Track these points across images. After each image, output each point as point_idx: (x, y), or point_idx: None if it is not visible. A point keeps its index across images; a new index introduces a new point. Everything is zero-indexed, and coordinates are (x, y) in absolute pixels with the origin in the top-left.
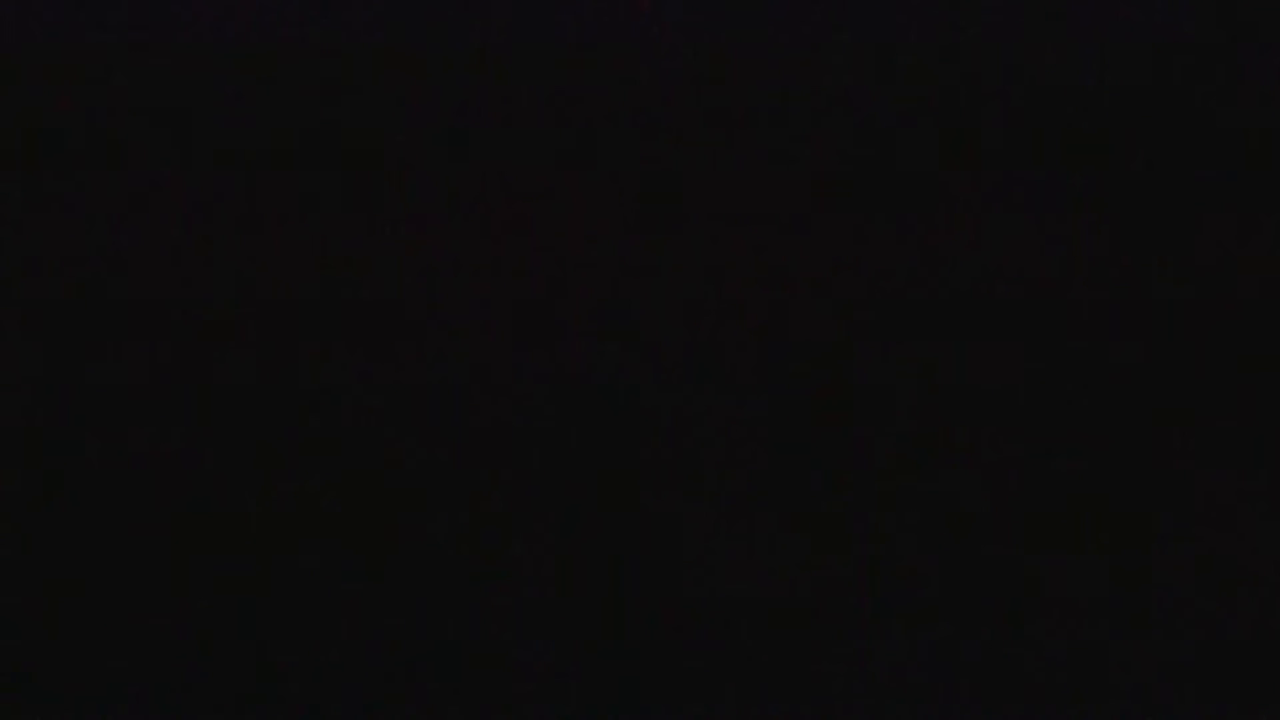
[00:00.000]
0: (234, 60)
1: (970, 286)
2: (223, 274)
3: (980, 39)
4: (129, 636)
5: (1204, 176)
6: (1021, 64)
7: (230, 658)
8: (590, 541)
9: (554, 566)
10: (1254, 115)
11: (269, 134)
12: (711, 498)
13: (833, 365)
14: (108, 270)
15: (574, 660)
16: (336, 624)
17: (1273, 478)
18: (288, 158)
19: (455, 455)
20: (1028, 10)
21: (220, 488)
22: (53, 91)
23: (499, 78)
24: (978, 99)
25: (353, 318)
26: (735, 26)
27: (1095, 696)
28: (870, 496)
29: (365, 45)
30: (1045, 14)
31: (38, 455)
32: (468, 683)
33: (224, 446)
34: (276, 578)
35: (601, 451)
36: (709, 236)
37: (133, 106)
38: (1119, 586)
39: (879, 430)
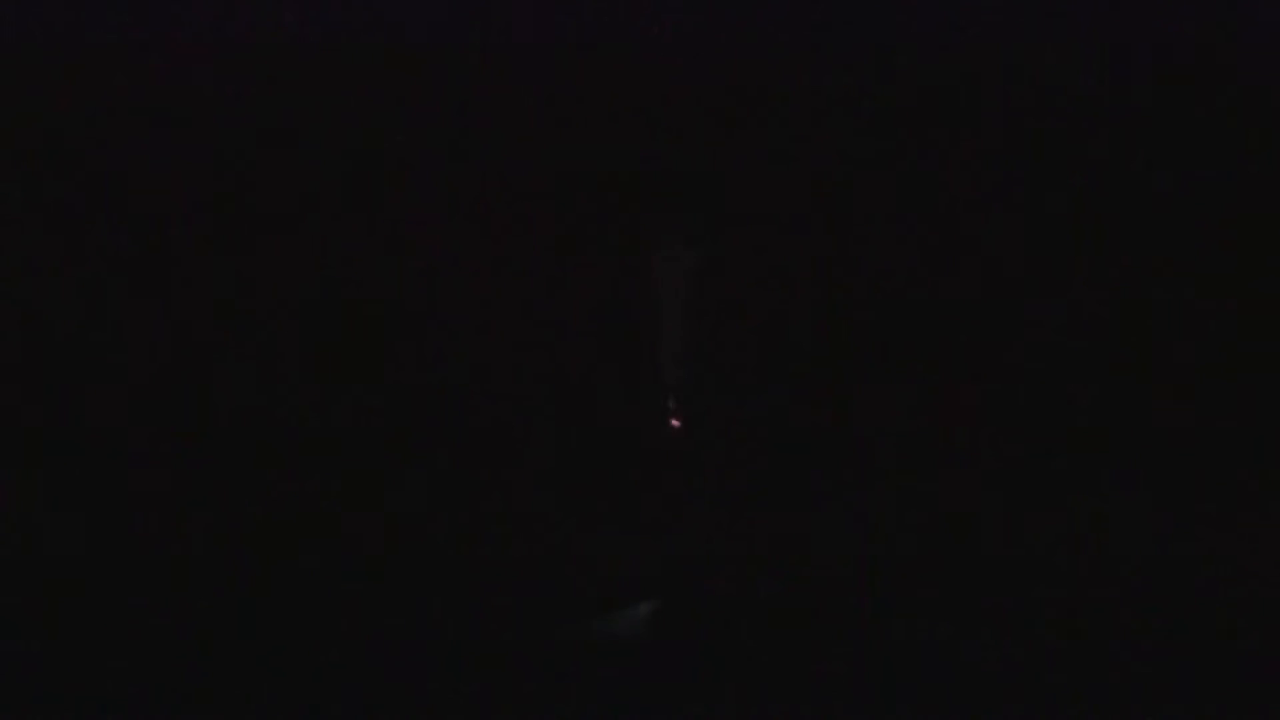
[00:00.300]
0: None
1: (969, 286)
2: (222, 275)
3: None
4: (129, 636)
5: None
6: (1022, 64)
7: (230, 658)
8: (588, 541)
9: (551, 566)
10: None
11: (268, 134)
12: (711, 497)
13: (833, 365)
14: (108, 270)
15: (573, 660)
16: (336, 624)
17: (1273, 478)
18: (287, 157)
19: (455, 455)
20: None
21: (220, 488)
22: (52, 92)
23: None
24: (977, 99)
25: (352, 318)
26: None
27: (1095, 697)
28: (870, 496)
29: (365, 45)
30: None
31: (38, 455)
32: (467, 683)
33: (223, 447)
34: (276, 578)
35: (600, 450)
36: (709, 237)
37: (133, 106)
38: (1119, 586)
39: (879, 430)
